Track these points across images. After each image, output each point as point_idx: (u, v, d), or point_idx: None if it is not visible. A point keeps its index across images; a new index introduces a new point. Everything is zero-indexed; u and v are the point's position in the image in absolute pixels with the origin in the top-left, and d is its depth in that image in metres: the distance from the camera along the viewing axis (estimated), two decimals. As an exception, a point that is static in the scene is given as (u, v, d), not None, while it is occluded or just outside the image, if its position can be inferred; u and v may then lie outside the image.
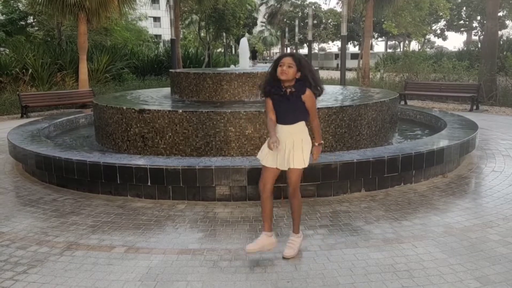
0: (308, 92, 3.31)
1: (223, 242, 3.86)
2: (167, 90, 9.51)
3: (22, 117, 12.29)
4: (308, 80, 3.31)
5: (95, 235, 4.03)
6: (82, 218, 4.48)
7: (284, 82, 3.30)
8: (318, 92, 3.40)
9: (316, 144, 3.54)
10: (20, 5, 22.96)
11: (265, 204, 3.49)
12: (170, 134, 6.14)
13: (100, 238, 3.97)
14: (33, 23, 24.93)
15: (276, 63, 3.33)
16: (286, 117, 3.37)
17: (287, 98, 3.33)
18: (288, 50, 62.20)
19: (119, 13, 16.02)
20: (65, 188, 5.54)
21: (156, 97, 8.25)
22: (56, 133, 8.38)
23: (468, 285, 3.05)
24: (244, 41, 10.41)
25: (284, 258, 3.47)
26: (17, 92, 13.55)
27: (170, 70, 9.15)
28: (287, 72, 3.26)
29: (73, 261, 3.51)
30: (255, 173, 4.80)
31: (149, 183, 4.96)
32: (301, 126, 3.41)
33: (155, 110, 6.24)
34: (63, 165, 5.34)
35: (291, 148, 3.36)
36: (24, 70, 15.74)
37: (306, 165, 3.45)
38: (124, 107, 6.48)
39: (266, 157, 3.47)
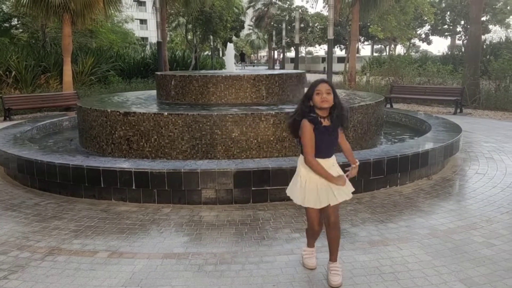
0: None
1: (208, 246, 3.82)
2: (153, 92, 9.45)
3: (5, 120, 12.09)
4: (341, 110, 3.02)
5: (77, 240, 3.96)
6: (65, 223, 4.40)
7: (323, 111, 2.99)
8: (346, 124, 3.14)
9: (354, 165, 3.28)
10: (4, 7, 22.62)
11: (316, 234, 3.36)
12: (156, 137, 6.08)
13: (83, 242, 3.90)
14: (18, 25, 24.58)
15: (309, 92, 3.01)
16: (330, 150, 3.10)
17: (333, 128, 3.04)
18: (276, 54, 62.40)
19: (105, 15, 15.90)
20: (48, 192, 5.44)
21: (141, 100, 8.18)
22: (39, 136, 8.25)
23: (452, 286, 3.07)
24: (231, 46, 10.54)
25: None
26: (0, 95, 13.32)
27: (156, 72, 9.10)
28: (328, 99, 2.95)
29: (55, 267, 3.44)
30: (242, 176, 4.79)
31: (133, 187, 4.90)
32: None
33: (140, 112, 6.18)
34: (45, 169, 5.25)
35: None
36: (7, 72, 15.50)
37: (351, 195, 3.20)
38: (109, 110, 6.41)
39: (305, 198, 3.13)
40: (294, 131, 3.09)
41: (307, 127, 2.97)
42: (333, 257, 3.22)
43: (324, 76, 9.57)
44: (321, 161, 3.05)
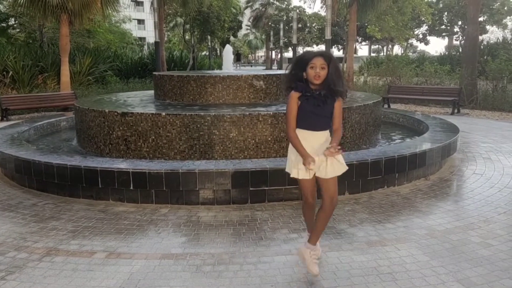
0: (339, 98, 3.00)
1: (206, 246, 3.82)
2: (151, 93, 9.44)
3: (2, 120, 12.05)
4: (335, 82, 2.91)
5: (75, 241, 3.96)
6: (62, 223, 4.39)
7: (315, 86, 2.94)
8: (346, 95, 3.05)
9: (333, 145, 2.97)
10: (1, 6, 22.56)
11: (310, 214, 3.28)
12: (153, 137, 6.08)
13: (81, 243, 3.90)
14: (15, 25, 24.53)
15: (304, 62, 2.91)
16: (321, 123, 3.01)
17: (323, 101, 2.95)
18: (273, 54, 62.38)
19: (103, 15, 15.88)
20: (45, 192, 5.43)
21: (139, 100, 8.17)
22: (36, 137, 8.23)
23: (450, 287, 3.08)
24: (229, 48, 10.58)
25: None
26: (-3, 95, 13.30)
27: (154, 73, 9.09)
28: (321, 75, 2.87)
29: (53, 267, 3.43)
30: (239, 177, 4.79)
31: (131, 187, 4.90)
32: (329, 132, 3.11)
33: (138, 113, 6.17)
34: (43, 169, 5.24)
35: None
36: (4, 72, 15.46)
37: (347, 167, 3.11)
38: (107, 110, 6.40)
39: (299, 170, 3.07)
40: (295, 89, 3.03)
41: (292, 96, 2.97)
42: (313, 240, 3.21)
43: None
44: (308, 133, 3.01)
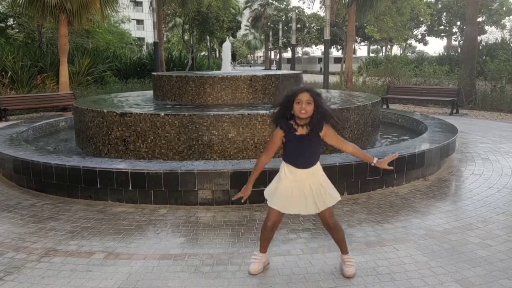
0: (325, 128, 3.05)
1: (205, 246, 3.82)
2: (149, 93, 9.43)
3: (1, 120, 12.04)
4: (327, 114, 3.00)
5: (74, 241, 3.95)
6: (61, 224, 4.39)
7: (301, 120, 2.99)
8: (339, 124, 3.11)
9: (374, 162, 3.19)
10: (0, 6, 22.55)
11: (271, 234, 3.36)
12: (152, 137, 6.07)
13: (79, 244, 3.89)
14: (13, 25, 24.50)
15: (291, 98, 2.97)
16: (304, 160, 3.09)
17: (308, 138, 3.03)
18: (272, 54, 62.43)
19: (101, 15, 15.86)
20: (44, 193, 5.43)
21: (138, 100, 8.16)
22: (35, 137, 8.22)
23: (448, 287, 3.08)
24: (226, 45, 10.35)
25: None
26: (-4, 95, 13.29)
27: (153, 73, 9.09)
28: (307, 110, 2.93)
29: (51, 268, 3.43)
30: (238, 177, 4.79)
31: (130, 188, 4.89)
32: (319, 164, 3.18)
33: (137, 113, 6.16)
34: (41, 170, 5.23)
35: (318, 188, 3.12)
36: (3, 73, 15.45)
37: (339, 197, 3.22)
38: (105, 110, 6.39)
39: (283, 204, 3.18)
40: (280, 127, 3.11)
41: (276, 133, 3.07)
42: (344, 250, 3.35)
43: (320, 77, 9.54)
44: (291, 169, 3.11)
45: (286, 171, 3.14)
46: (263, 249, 3.39)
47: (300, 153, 3.08)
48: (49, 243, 3.90)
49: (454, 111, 13.12)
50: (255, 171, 3.20)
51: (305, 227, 4.24)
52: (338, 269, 3.36)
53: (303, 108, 2.93)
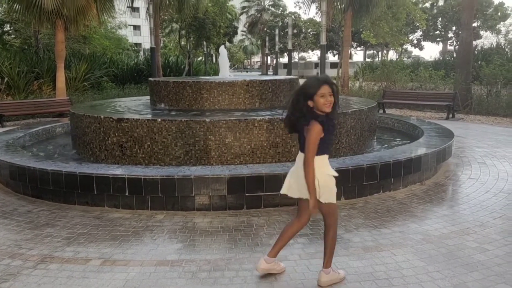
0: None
1: (202, 252, 3.81)
2: (146, 98, 9.43)
3: (-3, 126, 12.00)
4: (337, 106, 2.95)
5: (70, 248, 3.93)
6: (57, 230, 4.37)
7: (322, 113, 2.90)
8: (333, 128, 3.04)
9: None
10: (-4, 12, 22.55)
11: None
12: (149, 143, 6.07)
13: (76, 250, 3.87)
14: (10, 31, 24.48)
15: (311, 91, 2.86)
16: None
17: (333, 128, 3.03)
18: (269, 59, 62.59)
19: (98, 21, 15.87)
20: (40, 199, 5.40)
21: (135, 106, 8.16)
22: (31, 143, 8.19)
23: (446, 292, 3.08)
24: (223, 50, 10.30)
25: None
26: (-8, 101, 13.25)
27: (150, 78, 9.09)
28: (332, 102, 2.87)
29: (47, 275, 3.40)
30: (235, 182, 4.79)
31: (127, 193, 4.88)
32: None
33: (133, 119, 6.16)
34: (37, 176, 5.21)
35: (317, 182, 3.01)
36: (-1, 78, 15.43)
37: (334, 201, 3.07)
38: (102, 116, 6.38)
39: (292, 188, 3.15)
40: (292, 127, 3.05)
41: (318, 129, 2.88)
42: (325, 263, 3.20)
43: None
44: (326, 157, 3.02)
45: (327, 163, 3.06)
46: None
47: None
48: (45, 250, 3.88)
49: (450, 115, 13.17)
50: (313, 177, 2.96)
51: (302, 232, 4.22)
52: (335, 274, 3.35)
53: (328, 101, 2.86)
